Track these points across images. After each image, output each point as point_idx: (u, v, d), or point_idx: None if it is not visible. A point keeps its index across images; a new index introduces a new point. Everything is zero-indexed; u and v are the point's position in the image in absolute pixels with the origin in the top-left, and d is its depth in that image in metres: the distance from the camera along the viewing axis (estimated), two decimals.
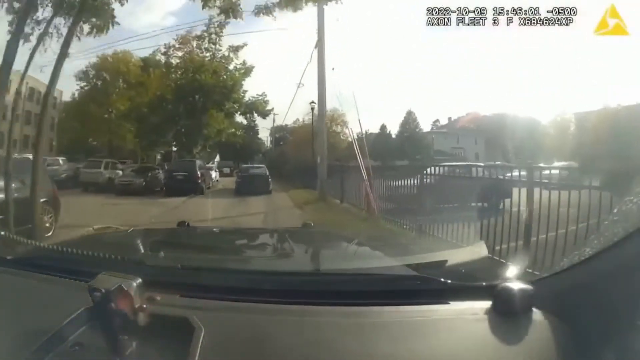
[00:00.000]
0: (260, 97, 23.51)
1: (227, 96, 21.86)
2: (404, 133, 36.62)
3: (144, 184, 14.52)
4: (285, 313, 0.89)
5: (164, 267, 1.11)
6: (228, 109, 22.53)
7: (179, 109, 22.13)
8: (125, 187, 14.21)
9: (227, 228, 2.67)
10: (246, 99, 23.01)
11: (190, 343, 0.74)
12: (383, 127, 36.70)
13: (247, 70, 22.29)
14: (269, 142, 40.90)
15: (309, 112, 26.96)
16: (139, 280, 0.73)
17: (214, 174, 21.73)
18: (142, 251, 1.33)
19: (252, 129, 40.76)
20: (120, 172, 16.61)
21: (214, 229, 2.69)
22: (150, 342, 0.76)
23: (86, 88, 24.85)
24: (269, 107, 24.09)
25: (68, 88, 26.10)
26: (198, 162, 15.80)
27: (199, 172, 14.62)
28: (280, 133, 37.96)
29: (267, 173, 16.39)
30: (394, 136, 37.41)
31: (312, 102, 18.91)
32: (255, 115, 24.62)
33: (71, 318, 0.80)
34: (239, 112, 24.11)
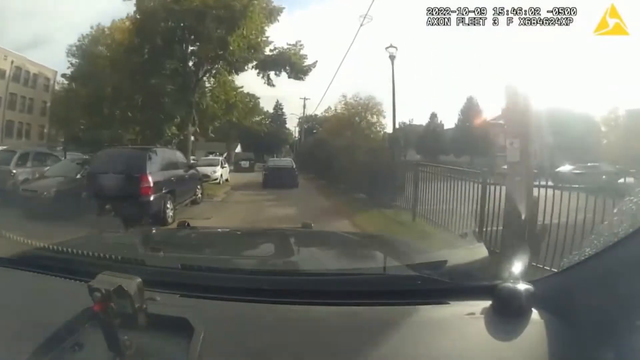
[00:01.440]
0: (292, 47, 14.07)
1: (232, 25, 11.86)
2: (466, 122, 29.46)
3: (55, 196, 7.31)
4: (285, 313, 0.89)
5: (164, 267, 1.11)
6: (234, 51, 12.13)
7: (143, 56, 12.54)
8: (27, 202, 7.27)
9: (227, 229, 2.66)
10: (270, 49, 13.75)
11: (190, 343, 0.74)
12: (433, 116, 30.00)
13: (273, 12, 13.20)
14: (297, 133, 34.50)
15: (341, 100, 24.09)
16: (139, 280, 0.73)
17: (218, 171, 15.05)
18: (142, 251, 1.33)
19: (279, 117, 35.17)
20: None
21: (214, 230, 2.69)
22: (150, 342, 0.76)
23: (78, 65, 16.93)
24: (307, 62, 14.23)
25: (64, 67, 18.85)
26: (152, 153, 7.38)
27: (150, 178, 6.69)
28: (308, 124, 31.71)
29: (294, 166, 15.80)
30: (446, 127, 30.81)
31: (391, 45, 13.61)
32: (288, 73, 14.29)
33: (71, 318, 0.81)
34: (254, 65, 13.99)
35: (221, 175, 15.48)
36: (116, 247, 1.43)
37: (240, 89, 16.69)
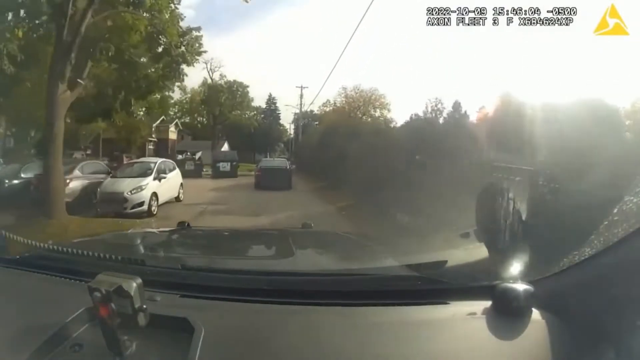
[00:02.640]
0: None
1: None
2: (505, 113, 23.66)
3: None
4: (285, 313, 0.89)
5: (164, 267, 1.11)
6: None
7: None
8: None
9: (227, 229, 2.67)
10: None
11: (190, 343, 0.74)
12: (457, 105, 22.62)
13: None
14: (292, 130, 29.90)
15: (341, 93, 21.50)
16: (139, 280, 0.73)
17: (148, 189, 8.14)
18: (142, 251, 1.33)
19: (272, 111, 31.92)
20: None
21: (214, 230, 2.69)
22: (150, 342, 0.76)
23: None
24: None
25: None
26: None
27: None
28: (304, 120, 27.60)
29: (288, 167, 15.41)
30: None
31: None
32: None
33: (71, 318, 0.81)
34: None
35: (154, 196, 8.12)
36: (116, 247, 1.44)
37: (194, 30, 8.93)
